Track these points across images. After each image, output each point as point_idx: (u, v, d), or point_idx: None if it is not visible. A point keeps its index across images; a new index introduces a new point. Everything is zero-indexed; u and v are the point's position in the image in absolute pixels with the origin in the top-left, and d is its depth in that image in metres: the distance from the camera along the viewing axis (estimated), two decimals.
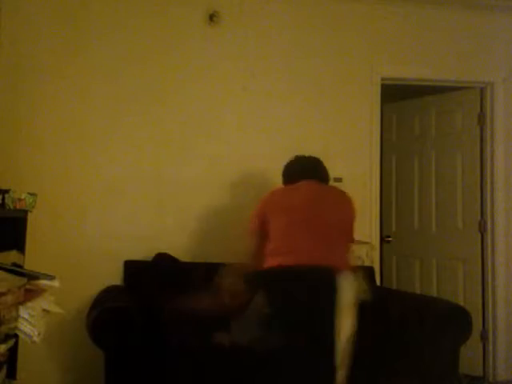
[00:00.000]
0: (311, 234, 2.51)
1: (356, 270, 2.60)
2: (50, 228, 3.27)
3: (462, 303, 3.57)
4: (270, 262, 2.50)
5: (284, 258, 2.47)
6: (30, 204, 2.68)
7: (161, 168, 3.50)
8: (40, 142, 3.36)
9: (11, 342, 2.25)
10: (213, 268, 3.29)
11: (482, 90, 4.06)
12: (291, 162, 2.84)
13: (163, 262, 3.27)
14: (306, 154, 2.83)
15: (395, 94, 4.29)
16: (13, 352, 2.47)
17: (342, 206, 2.68)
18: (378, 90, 3.86)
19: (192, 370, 2.56)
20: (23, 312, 2.10)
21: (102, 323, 2.53)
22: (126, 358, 2.52)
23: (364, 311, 2.45)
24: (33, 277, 2.26)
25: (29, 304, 2.13)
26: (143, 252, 3.29)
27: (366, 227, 3.56)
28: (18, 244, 2.67)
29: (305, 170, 2.76)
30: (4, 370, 2.39)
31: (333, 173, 3.67)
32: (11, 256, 2.53)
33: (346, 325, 2.39)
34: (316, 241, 2.50)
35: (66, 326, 3.10)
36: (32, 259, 2.76)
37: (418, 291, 4.16)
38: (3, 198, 2.52)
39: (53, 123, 3.38)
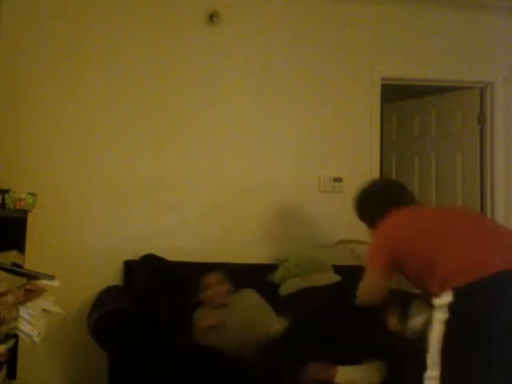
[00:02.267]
0: (479, 240, 2.13)
1: None
2: (50, 228, 3.26)
3: None
4: (458, 281, 1.98)
5: (479, 270, 1.98)
6: (30, 204, 2.68)
7: (161, 167, 3.49)
8: (40, 141, 3.35)
9: (11, 342, 2.25)
10: (213, 268, 3.31)
11: (482, 90, 4.06)
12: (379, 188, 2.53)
13: (152, 265, 3.24)
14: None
15: (395, 94, 4.29)
16: (13, 352, 2.48)
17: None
18: (378, 89, 3.84)
19: (193, 370, 2.55)
20: (23, 312, 2.10)
21: (104, 325, 2.51)
22: (129, 359, 2.51)
23: (364, 311, 2.45)
24: (33, 277, 2.27)
25: (29, 304, 2.13)
26: (143, 252, 3.27)
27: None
28: (18, 244, 2.68)
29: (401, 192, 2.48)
30: (4, 370, 2.40)
31: (333, 173, 3.73)
32: (11, 256, 2.53)
33: None
34: (491, 244, 2.11)
35: (66, 326, 3.09)
36: (32, 259, 2.76)
37: (419, 291, 4.14)
38: (3, 198, 2.51)
39: (53, 123, 3.37)
